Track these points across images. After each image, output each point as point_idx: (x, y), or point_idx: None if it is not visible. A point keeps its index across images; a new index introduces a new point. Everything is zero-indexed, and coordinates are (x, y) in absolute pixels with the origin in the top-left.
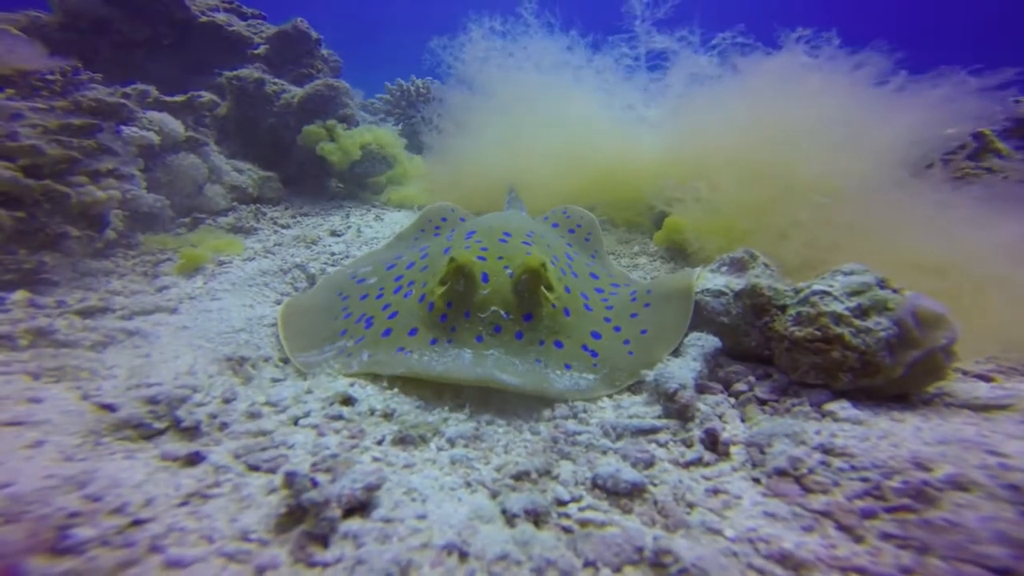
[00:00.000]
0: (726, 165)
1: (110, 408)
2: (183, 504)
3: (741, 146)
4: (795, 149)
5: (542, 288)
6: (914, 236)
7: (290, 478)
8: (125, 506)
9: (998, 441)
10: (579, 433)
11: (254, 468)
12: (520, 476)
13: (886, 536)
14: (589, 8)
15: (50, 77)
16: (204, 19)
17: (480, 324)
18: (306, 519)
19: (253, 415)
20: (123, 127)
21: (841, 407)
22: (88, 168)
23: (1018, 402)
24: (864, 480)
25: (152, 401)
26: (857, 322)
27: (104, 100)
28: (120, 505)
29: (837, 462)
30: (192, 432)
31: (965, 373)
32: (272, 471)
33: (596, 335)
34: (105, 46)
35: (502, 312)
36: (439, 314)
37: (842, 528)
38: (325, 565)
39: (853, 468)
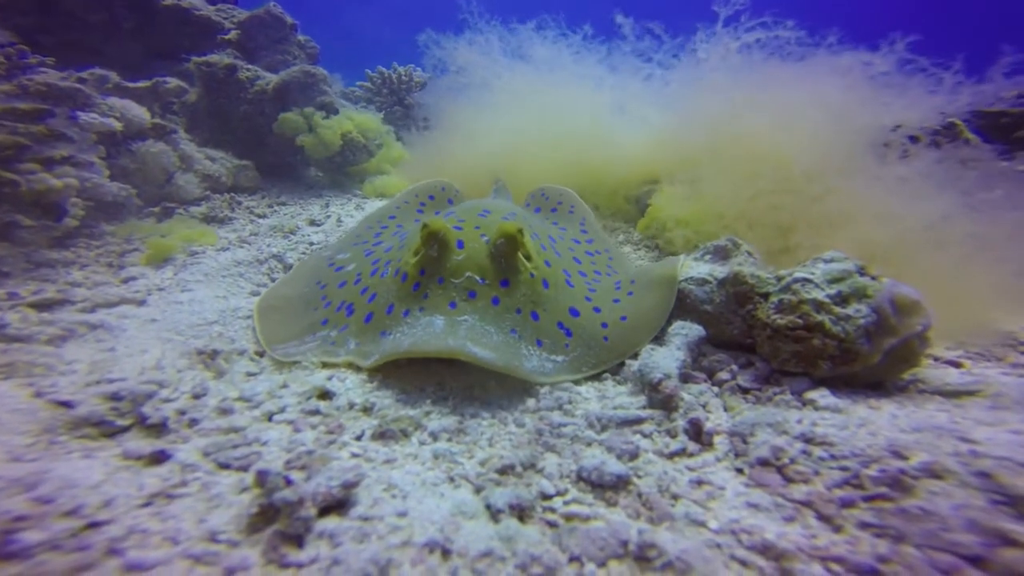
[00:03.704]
0: (714, 155)
1: (67, 405)
2: (146, 505)
3: (728, 136)
4: (780, 137)
5: (519, 255)
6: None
7: (262, 476)
8: (80, 508)
9: (968, 428)
10: (564, 425)
11: (224, 466)
12: (505, 470)
13: (864, 525)
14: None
15: None
16: (168, 2)
17: (454, 290)
18: (279, 519)
19: (224, 411)
20: (79, 113)
21: (821, 395)
22: (39, 155)
23: (986, 388)
24: (843, 469)
25: (114, 397)
26: (837, 309)
27: (55, 84)
28: (74, 507)
29: (818, 451)
30: (158, 429)
31: (936, 359)
32: (243, 469)
33: (574, 312)
34: (56, 28)
35: (477, 278)
36: (412, 283)
37: (822, 518)
38: (299, 566)
39: (833, 457)
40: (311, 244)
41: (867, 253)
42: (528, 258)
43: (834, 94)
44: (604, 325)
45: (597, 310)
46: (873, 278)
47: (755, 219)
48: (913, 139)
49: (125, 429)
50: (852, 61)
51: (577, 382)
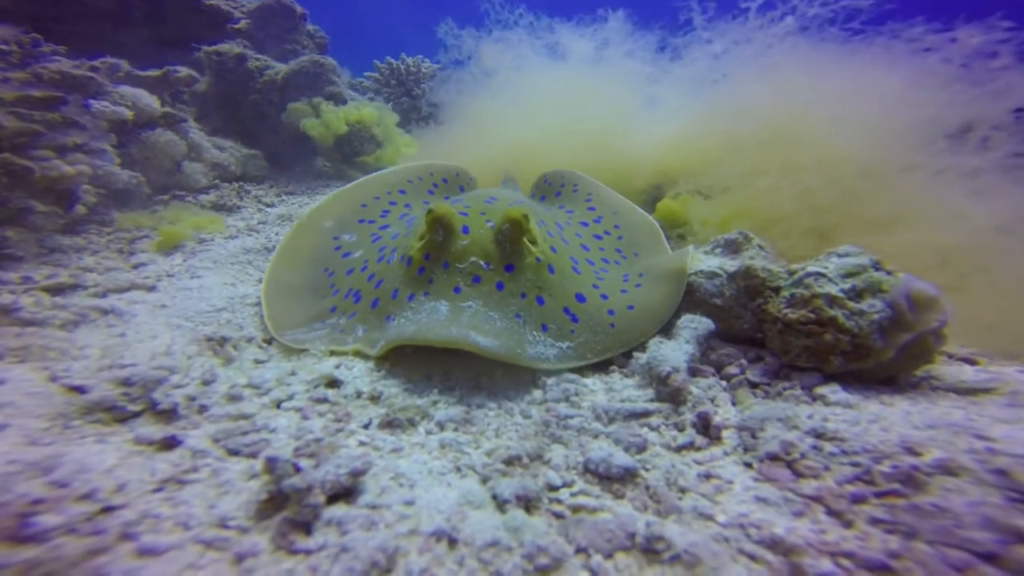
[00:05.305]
0: (740, 149)
1: (80, 390)
2: (158, 490)
3: (770, 128)
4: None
5: (524, 240)
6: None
7: (271, 463)
8: (95, 492)
9: (985, 425)
10: (571, 417)
11: (234, 453)
12: (511, 461)
13: (875, 521)
14: None
15: (4, 48)
16: None
17: (458, 274)
18: (288, 505)
19: (234, 398)
20: (92, 101)
21: (832, 391)
22: (53, 142)
23: (1002, 385)
24: (855, 465)
25: (126, 383)
26: (851, 304)
27: (68, 72)
28: (89, 491)
29: (828, 446)
30: (169, 415)
31: (951, 356)
32: (253, 456)
33: (580, 298)
34: (68, 17)
35: (482, 263)
36: (417, 267)
37: (832, 513)
38: (308, 552)
39: (844, 452)
40: None
41: (934, 258)
42: (534, 243)
43: (897, 80)
44: (611, 312)
45: (604, 297)
46: (889, 273)
47: (794, 223)
48: (995, 128)
49: (136, 414)
50: (939, 42)
51: (583, 373)
